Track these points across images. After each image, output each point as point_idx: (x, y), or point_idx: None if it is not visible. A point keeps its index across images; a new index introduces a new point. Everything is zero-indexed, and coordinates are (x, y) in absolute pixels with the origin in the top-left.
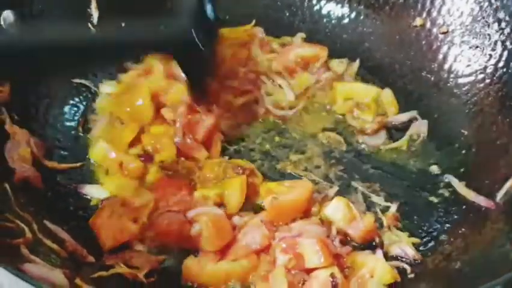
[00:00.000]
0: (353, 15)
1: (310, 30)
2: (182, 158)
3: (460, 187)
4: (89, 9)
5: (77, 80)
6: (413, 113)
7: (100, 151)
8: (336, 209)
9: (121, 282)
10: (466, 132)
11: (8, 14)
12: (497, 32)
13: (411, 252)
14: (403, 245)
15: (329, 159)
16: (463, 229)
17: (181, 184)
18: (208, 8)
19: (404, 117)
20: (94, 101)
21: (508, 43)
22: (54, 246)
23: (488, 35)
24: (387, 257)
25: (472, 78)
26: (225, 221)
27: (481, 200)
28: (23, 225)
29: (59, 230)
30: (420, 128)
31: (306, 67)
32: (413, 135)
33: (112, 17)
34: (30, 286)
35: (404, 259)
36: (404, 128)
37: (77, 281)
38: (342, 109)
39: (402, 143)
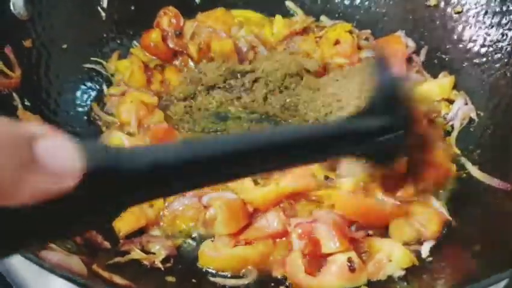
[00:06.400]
0: None
1: (321, 11)
2: None
3: (474, 170)
4: None
5: (88, 65)
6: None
7: (115, 141)
8: None
9: (138, 268)
10: (481, 114)
11: None
12: None
13: None
14: None
15: None
16: (480, 210)
17: None
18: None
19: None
20: (105, 86)
21: None
22: None
23: (505, 13)
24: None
25: (487, 58)
26: (240, 205)
27: (496, 182)
28: None
29: None
30: (469, 113)
31: None
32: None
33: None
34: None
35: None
36: None
37: (94, 267)
38: None
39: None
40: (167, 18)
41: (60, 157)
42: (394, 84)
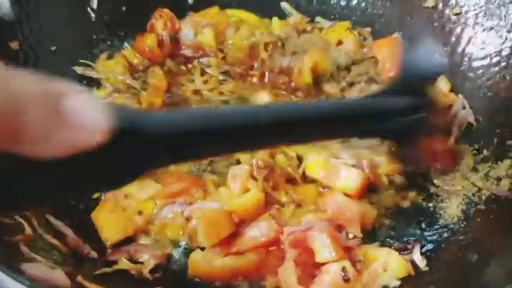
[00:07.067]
0: None
1: (317, 12)
2: None
3: (475, 179)
4: None
5: (76, 68)
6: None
7: None
8: None
9: (126, 278)
10: (480, 118)
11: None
12: None
13: None
14: None
15: None
16: (479, 219)
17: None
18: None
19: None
20: (95, 89)
21: None
22: (55, 242)
23: (504, 16)
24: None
25: (486, 61)
26: (221, 215)
27: (499, 190)
28: (22, 220)
29: (60, 224)
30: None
31: None
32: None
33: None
34: None
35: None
36: None
37: (79, 278)
38: None
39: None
40: (162, 21)
41: (88, 113)
42: (423, 65)
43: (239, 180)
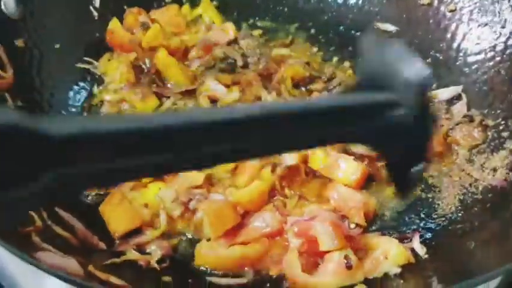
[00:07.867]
0: None
1: (314, 10)
2: None
3: (471, 170)
4: None
5: (80, 65)
6: (458, 89)
7: None
8: None
9: (134, 268)
10: (476, 112)
11: None
12: (507, 8)
13: None
14: None
15: None
16: (476, 208)
17: None
18: None
19: (447, 93)
20: (97, 86)
21: None
22: (65, 233)
23: (498, 12)
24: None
25: (481, 56)
26: (226, 206)
27: (495, 180)
28: (32, 212)
29: (69, 216)
30: (462, 109)
31: None
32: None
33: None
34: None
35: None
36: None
37: (90, 268)
38: None
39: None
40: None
41: None
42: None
43: (248, 173)
